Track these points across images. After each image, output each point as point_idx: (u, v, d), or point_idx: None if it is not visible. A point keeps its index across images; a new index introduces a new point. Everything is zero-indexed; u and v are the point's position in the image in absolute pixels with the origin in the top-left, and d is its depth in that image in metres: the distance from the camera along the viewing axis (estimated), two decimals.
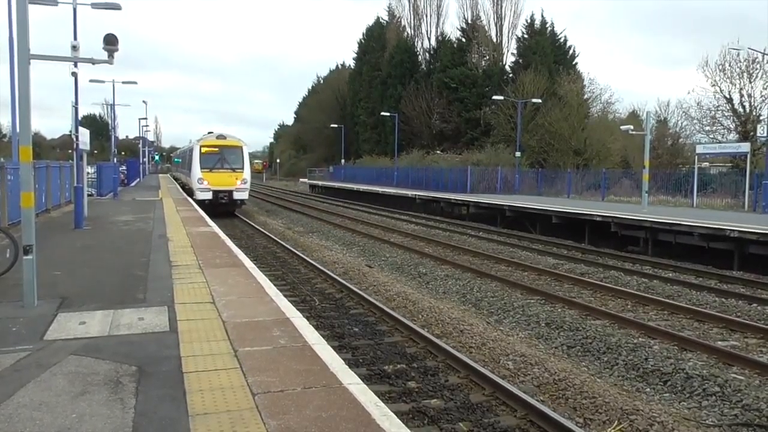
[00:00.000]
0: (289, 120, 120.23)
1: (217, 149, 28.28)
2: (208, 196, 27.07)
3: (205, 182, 27.43)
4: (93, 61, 8.43)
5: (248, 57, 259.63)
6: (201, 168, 27.66)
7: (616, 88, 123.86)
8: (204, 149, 28.24)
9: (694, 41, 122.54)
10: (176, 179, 47.87)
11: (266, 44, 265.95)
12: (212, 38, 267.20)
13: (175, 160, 56.44)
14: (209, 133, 31.47)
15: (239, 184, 27.69)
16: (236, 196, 27.64)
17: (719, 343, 8.89)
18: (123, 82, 37.52)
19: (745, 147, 27.32)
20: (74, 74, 19.25)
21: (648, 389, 7.32)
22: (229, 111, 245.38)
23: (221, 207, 27.27)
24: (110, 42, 7.84)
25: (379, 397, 4.59)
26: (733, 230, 15.32)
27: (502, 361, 7.95)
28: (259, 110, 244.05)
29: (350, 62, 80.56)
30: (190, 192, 30.56)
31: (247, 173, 28.32)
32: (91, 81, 36.02)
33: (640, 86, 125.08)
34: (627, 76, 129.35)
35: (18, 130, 8.01)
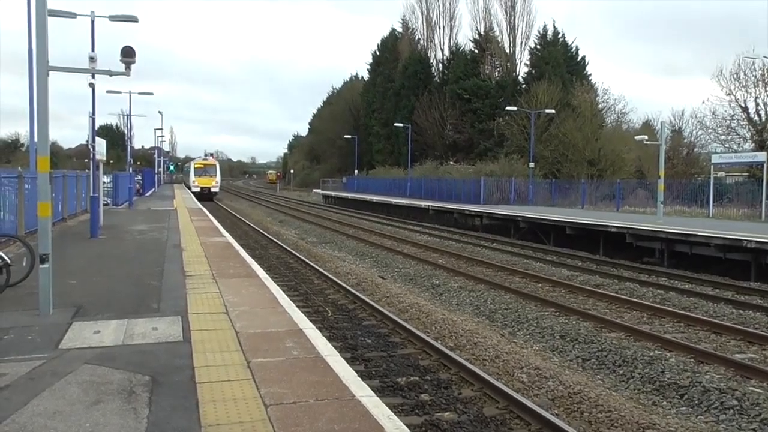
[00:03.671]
0: (299, 131, 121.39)
1: (202, 166, 55.46)
2: (197, 190, 51.75)
3: (196, 183, 53.53)
4: (110, 73, 8.52)
5: (252, 68, 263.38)
6: (194, 176, 54.55)
7: (630, 97, 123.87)
8: (196, 166, 56.10)
9: (693, 49, 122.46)
10: (185, 184, 65.92)
11: (271, 57, 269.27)
12: (217, 50, 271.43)
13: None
14: (199, 156, 63.63)
15: (213, 184, 54.03)
16: (212, 190, 53.58)
17: (737, 355, 8.76)
18: (139, 93, 37.91)
19: (762, 156, 26.97)
20: (92, 85, 19.52)
21: (664, 403, 7.22)
22: (238, 121, 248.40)
23: (205, 196, 49.46)
24: (127, 54, 7.93)
25: (391, 409, 4.57)
26: (750, 241, 15.13)
27: (516, 374, 7.88)
28: (267, 122, 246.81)
29: (364, 74, 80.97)
30: (188, 188, 56.08)
31: (218, 178, 55.42)
32: (108, 92, 36.38)
33: (645, 94, 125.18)
34: (629, 84, 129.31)
35: (36, 140, 8.11)
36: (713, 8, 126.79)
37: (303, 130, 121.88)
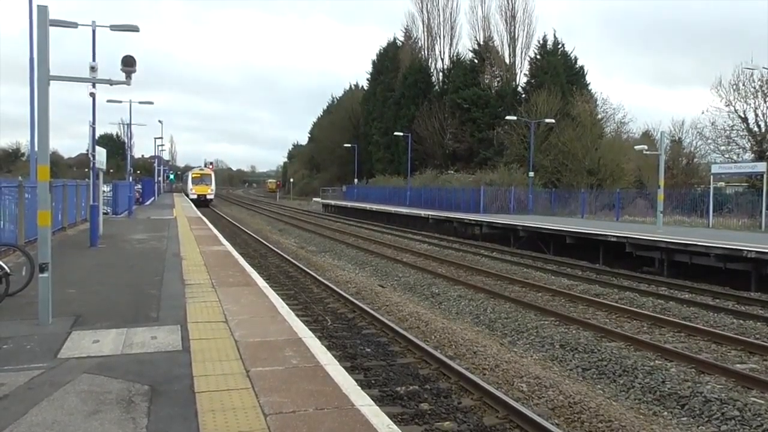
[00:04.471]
0: (299, 140, 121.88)
1: (199, 175, 62.97)
2: (194, 197, 57.83)
3: (193, 190, 60.28)
4: (111, 82, 8.52)
5: (251, 77, 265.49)
6: (192, 184, 61.36)
7: (629, 107, 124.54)
8: (193, 175, 63.56)
9: (692, 60, 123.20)
10: (184, 192, 71.25)
11: (270, 66, 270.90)
12: (216, 59, 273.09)
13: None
14: (198, 166, 73.17)
15: (209, 191, 60.76)
16: (208, 197, 59.82)
17: (738, 365, 8.74)
18: (140, 102, 37.91)
19: (761, 166, 26.98)
20: (92, 95, 19.57)
21: (665, 413, 7.19)
22: (237, 130, 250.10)
23: (201, 202, 54.98)
24: (128, 63, 7.94)
25: (391, 418, 4.55)
26: (750, 251, 15.12)
27: (515, 383, 7.86)
28: (266, 131, 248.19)
29: (363, 82, 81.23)
30: (186, 195, 62.34)
31: (213, 186, 62.57)
32: (108, 101, 36.49)
33: (645, 104, 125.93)
34: (628, 94, 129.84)
35: (36, 149, 8.10)
36: (711, 19, 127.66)
37: (302, 139, 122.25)
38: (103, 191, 24.22)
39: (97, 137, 22.15)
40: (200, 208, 44.26)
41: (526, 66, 58.43)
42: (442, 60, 67.50)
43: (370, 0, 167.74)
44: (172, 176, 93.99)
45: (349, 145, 68.86)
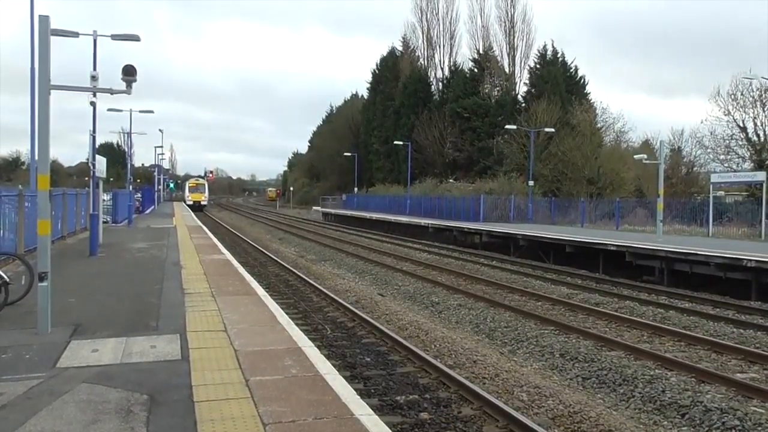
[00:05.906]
0: (298, 149, 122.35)
1: (195, 185, 75.08)
2: (191, 203, 68.07)
3: (189, 197, 71.37)
4: (112, 92, 8.54)
5: (247, 86, 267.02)
6: (188, 192, 73.71)
7: (629, 116, 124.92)
8: (190, 185, 76.28)
9: (690, 69, 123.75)
10: (183, 200, 78.52)
11: (267, 75, 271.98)
12: (212, 68, 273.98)
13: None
14: (198, 175, 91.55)
15: (203, 199, 72.14)
16: (202, 203, 70.82)
17: (738, 375, 8.72)
18: (140, 111, 37.93)
19: (761, 176, 27.01)
20: (93, 104, 19.62)
21: (665, 422, 7.17)
22: (236, 138, 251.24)
23: (196, 208, 63.56)
24: (129, 72, 7.97)
25: (391, 428, 4.54)
26: (750, 260, 15.12)
27: (515, 393, 7.84)
28: (265, 139, 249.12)
29: (362, 91, 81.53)
30: (184, 201, 71.45)
31: (207, 194, 74.62)
32: (109, 110, 36.49)
33: (644, 114, 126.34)
34: (628, 104, 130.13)
35: (36, 158, 8.13)
36: (707, 28, 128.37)
37: (302, 148, 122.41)
38: (103, 200, 24.23)
39: (97, 146, 22.20)
40: (196, 212, 53.56)
41: (526, 75, 58.80)
42: (442, 69, 67.84)
43: (365, 11, 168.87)
44: (171, 185, 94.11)
45: (349, 154, 69.00)
